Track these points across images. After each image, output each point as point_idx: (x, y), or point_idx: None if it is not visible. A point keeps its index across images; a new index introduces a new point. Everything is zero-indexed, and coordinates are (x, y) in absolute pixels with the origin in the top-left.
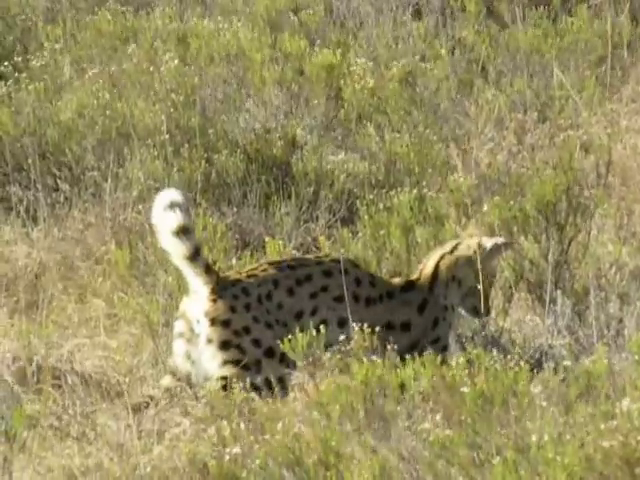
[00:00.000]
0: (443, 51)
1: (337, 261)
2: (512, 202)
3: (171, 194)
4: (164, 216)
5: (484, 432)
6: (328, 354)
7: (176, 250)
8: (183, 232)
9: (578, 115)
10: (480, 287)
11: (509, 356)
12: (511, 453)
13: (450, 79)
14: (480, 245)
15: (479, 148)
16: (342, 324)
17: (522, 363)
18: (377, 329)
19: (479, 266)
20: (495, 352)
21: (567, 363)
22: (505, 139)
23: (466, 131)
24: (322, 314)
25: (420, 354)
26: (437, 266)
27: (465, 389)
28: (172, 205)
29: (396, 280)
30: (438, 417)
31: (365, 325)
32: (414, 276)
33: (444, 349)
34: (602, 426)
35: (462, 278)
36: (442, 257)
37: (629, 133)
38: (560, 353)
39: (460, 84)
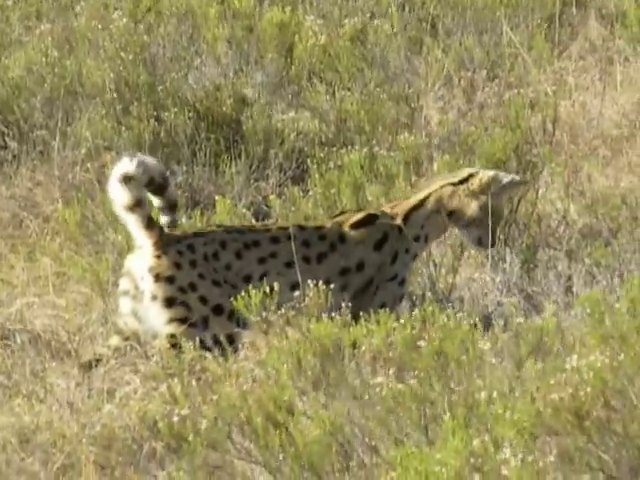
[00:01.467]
0: (393, 8)
1: (284, 228)
2: (462, 160)
3: (135, 154)
4: (116, 165)
5: (437, 388)
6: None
7: (118, 197)
8: (129, 180)
9: (527, 73)
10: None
11: (459, 314)
12: (461, 409)
13: (400, 37)
14: (495, 179)
15: (429, 106)
16: (294, 288)
17: (472, 320)
18: (332, 286)
19: (490, 199)
20: (446, 309)
21: (517, 320)
22: (455, 97)
23: (416, 89)
24: (272, 279)
25: (375, 293)
26: (429, 196)
27: (422, 343)
28: (130, 155)
29: (354, 217)
30: (391, 372)
31: (320, 282)
32: (386, 207)
33: (401, 284)
34: (551, 381)
35: (462, 211)
36: (442, 187)
37: (577, 91)
38: (509, 310)
39: (410, 42)
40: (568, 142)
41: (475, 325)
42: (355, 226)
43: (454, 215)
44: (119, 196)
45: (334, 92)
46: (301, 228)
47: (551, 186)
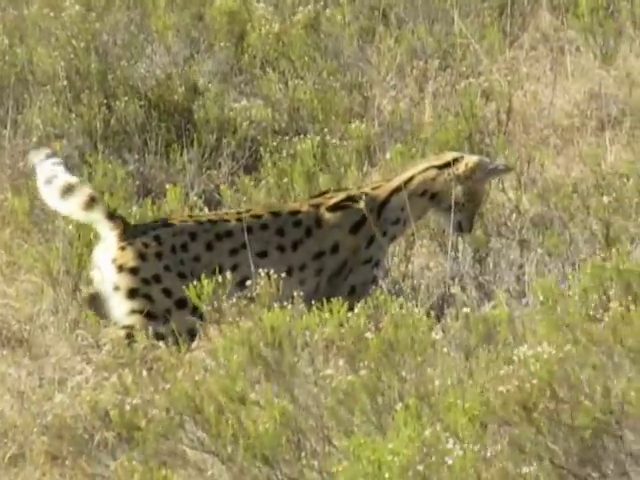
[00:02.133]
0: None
1: (258, 216)
2: (414, 149)
3: (44, 166)
4: (45, 191)
5: (387, 378)
6: (233, 300)
7: (70, 209)
8: (67, 192)
9: (479, 63)
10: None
11: (412, 303)
12: (413, 399)
13: (352, 26)
14: (480, 164)
15: (382, 95)
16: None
17: (424, 309)
18: (283, 275)
19: (474, 185)
20: (397, 298)
21: (468, 310)
22: (407, 86)
23: (368, 78)
24: (244, 271)
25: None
26: (412, 178)
27: (369, 335)
28: (49, 178)
29: (333, 198)
30: (341, 363)
31: (271, 272)
32: (368, 188)
33: (375, 267)
34: (500, 372)
35: (445, 194)
36: (426, 169)
37: (529, 80)
38: (462, 299)
39: (362, 31)
40: (520, 132)
41: (428, 314)
42: (333, 208)
43: (436, 198)
44: (69, 208)
45: (287, 81)
46: (275, 215)
47: (503, 175)
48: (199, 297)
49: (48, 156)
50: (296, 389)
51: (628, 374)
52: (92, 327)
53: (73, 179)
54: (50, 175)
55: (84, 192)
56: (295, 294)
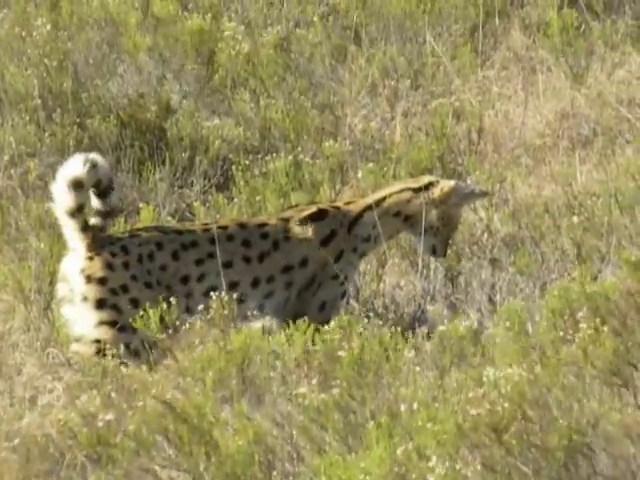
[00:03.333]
0: (316, 17)
1: (224, 227)
2: (386, 168)
3: (88, 156)
4: (66, 166)
5: (359, 397)
6: (187, 324)
7: (62, 201)
8: (77, 185)
9: (450, 82)
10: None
11: (382, 321)
12: (385, 418)
13: (324, 45)
14: (456, 189)
15: (353, 114)
16: (233, 287)
17: (395, 328)
18: (238, 292)
19: (449, 209)
20: (369, 317)
21: (440, 328)
22: (379, 106)
23: (340, 98)
24: (211, 280)
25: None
26: (386, 197)
27: (342, 353)
28: (85, 160)
29: (304, 211)
30: (314, 382)
31: (224, 290)
32: (341, 202)
33: (343, 283)
34: (470, 394)
35: (419, 217)
36: (401, 191)
37: (500, 100)
38: (433, 318)
39: (334, 50)
40: (491, 151)
41: (402, 333)
42: (304, 221)
43: (409, 220)
44: (64, 200)
45: (258, 100)
46: (242, 226)
47: (479, 200)
48: (147, 326)
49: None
50: (268, 408)
51: (598, 395)
52: (63, 345)
53: (87, 177)
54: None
55: (81, 197)
56: (255, 312)
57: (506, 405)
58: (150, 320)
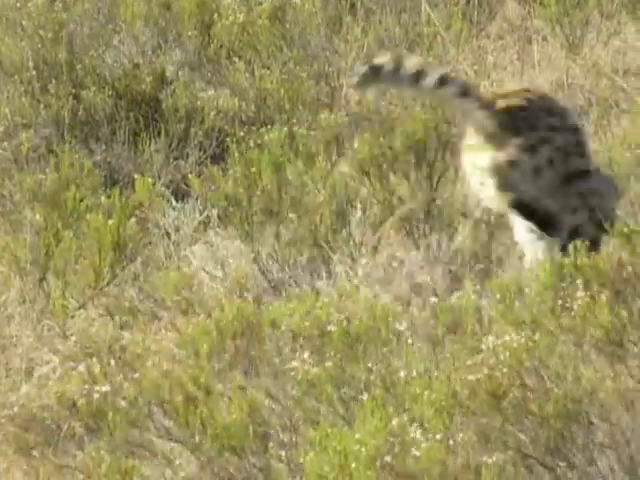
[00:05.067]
0: None
1: None
2: (382, 139)
3: None
4: None
5: (352, 369)
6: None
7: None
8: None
9: (446, 52)
10: None
11: (378, 293)
12: (379, 390)
13: (319, 16)
14: None
15: (349, 85)
16: None
17: (390, 299)
18: None
19: None
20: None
21: (434, 299)
22: None
23: (336, 68)
24: None
25: None
26: None
27: (332, 327)
28: None
29: None
30: (306, 355)
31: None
32: None
33: None
34: (468, 361)
35: None
36: None
37: (496, 69)
38: (431, 288)
39: (329, 21)
40: None
41: (402, 303)
42: None
43: None
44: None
45: (253, 71)
46: None
47: None
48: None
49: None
50: (262, 380)
51: (595, 364)
52: (59, 317)
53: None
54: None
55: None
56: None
57: (505, 370)
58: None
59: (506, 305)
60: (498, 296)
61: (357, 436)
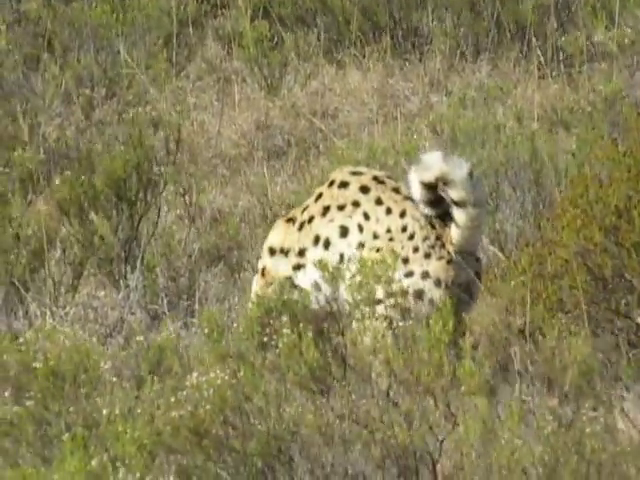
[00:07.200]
0: (3, 25)
1: None
2: (82, 177)
3: None
4: None
5: (54, 408)
6: None
7: None
8: None
9: (146, 92)
10: None
11: (79, 333)
12: (80, 429)
13: (16, 53)
14: None
15: (47, 123)
16: None
17: (92, 338)
18: None
19: None
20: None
21: (139, 338)
22: (73, 114)
23: (33, 106)
24: None
25: None
26: None
27: (37, 364)
28: None
29: None
30: (7, 394)
31: None
32: None
33: None
34: (172, 399)
35: None
36: None
37: (196, 110)
38: (132, 328)
39: (26, 58)
40: (189, 161)
41: (103, 343)
42: None
43: None
44: None
45: None
46: None
47: (173, 205)
48: None
49: None
50: None
51: (299, 401)
52: None
53: None
54: None
55: None
56: None
57: (208, 407)
58: None
59: (213, 339)
60: (206, 330)
61: (55, 477)
